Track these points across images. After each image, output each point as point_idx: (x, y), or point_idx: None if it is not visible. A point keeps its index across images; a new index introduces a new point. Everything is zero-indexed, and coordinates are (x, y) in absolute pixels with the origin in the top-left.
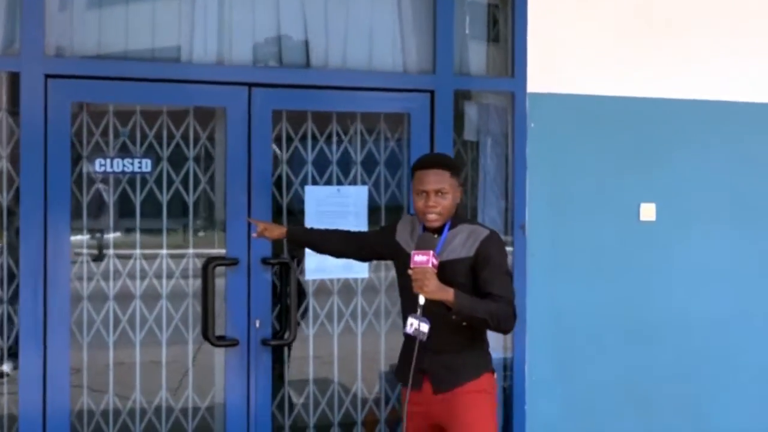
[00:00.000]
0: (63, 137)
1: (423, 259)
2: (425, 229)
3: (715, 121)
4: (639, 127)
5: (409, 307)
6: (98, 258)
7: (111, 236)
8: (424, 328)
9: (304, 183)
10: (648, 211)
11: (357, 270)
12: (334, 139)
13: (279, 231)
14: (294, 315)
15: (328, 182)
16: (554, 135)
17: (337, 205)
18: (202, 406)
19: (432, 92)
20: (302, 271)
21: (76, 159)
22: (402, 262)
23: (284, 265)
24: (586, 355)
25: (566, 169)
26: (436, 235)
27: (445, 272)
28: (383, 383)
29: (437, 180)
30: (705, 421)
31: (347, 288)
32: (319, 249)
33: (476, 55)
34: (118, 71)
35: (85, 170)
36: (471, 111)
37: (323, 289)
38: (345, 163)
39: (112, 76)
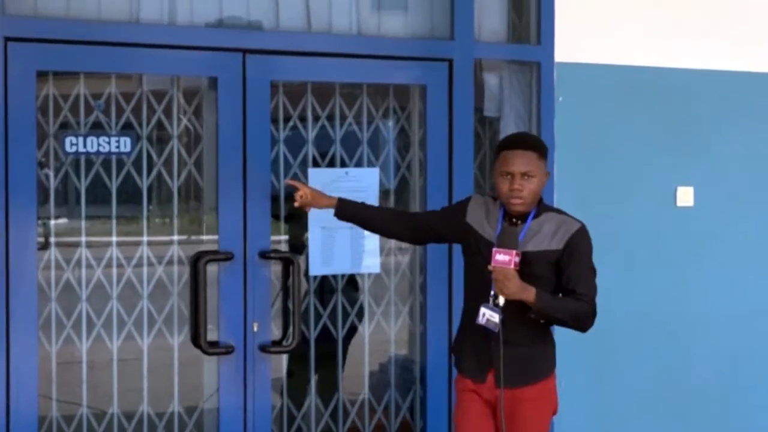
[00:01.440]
0: (27, 112)
1: (505, 259)
2: (506, 214)
3: (763, 94)
4: (677, 102)
5: (479, 293)
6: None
7: (83, 224)
8: (496, 318)
9: (303, 165)
10: (685, 196)
11: (367, 264)
12: (337, 114)
13: (328, 201)
14: (297, 317)
15: (331, 164)
16: (584, 111)
17: (346, 190)
18: (190, 423)
19: (450, 61)
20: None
21: (42, 137)
22: (475, 245)
23: (287, 260)
24: (618, 359)
25: (597, 149)
26: (519, 222)
27: (527, 263)
28: (392, 391)
29: (524, 162)
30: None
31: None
32: (372, 226)
33: (498, 20)
34: (91, 34)
35: (53, 150)
36: (491, 83)
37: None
38: (350, 143)
39: (84, 40)
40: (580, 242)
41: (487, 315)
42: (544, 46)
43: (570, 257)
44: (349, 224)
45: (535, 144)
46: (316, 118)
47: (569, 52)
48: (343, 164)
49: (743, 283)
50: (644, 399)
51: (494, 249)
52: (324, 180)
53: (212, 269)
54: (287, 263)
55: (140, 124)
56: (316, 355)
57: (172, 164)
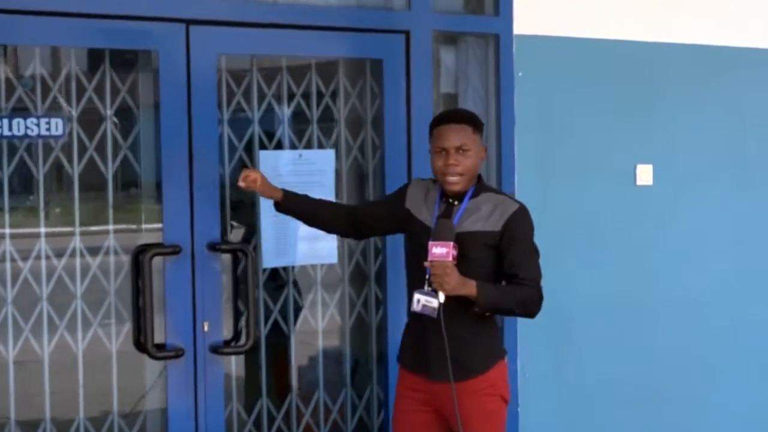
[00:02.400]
0: None
1: (442, 252)
2: (443, 195)
3: (723, 69)
4: (639, 77)
5: (416, 281)
6: None
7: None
8: (433, 303)
9: (248, 148)
10: (645, 174)
11: (324, 254)
12: (285, 92)
13: (273, 191)
14: (253, 314)
15: (278, 147)
16: (545, 86)
17: (301, 174)
18: None
19: (407, 33)
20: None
21: None
22: (413, 230)
23: (239, 252)
24: (582, 346)
25: (557, 126)
26: (455, 202)
27: (461, 244)
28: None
29: (459, 136)
30: (711, 413)
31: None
32: (315, 221)
33: None
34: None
35: None
36: (448, 58)
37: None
38: (299, 123)
39: (4, 9)
40: (519, 223)
41: (423, 300)
42: (503, 17)
43: (510, 240)
44: None
45: (468, 118)
46: (262, 97)
47: (529, 24)
48: (293, 146)
49: (704, 264)
50: (609, 387)
51: (430, 242)
52: (276, 163)
53: (155, 263)
54: (239, 255)
55: (70, 104)
56: (267, 354)
57: (105, 148)
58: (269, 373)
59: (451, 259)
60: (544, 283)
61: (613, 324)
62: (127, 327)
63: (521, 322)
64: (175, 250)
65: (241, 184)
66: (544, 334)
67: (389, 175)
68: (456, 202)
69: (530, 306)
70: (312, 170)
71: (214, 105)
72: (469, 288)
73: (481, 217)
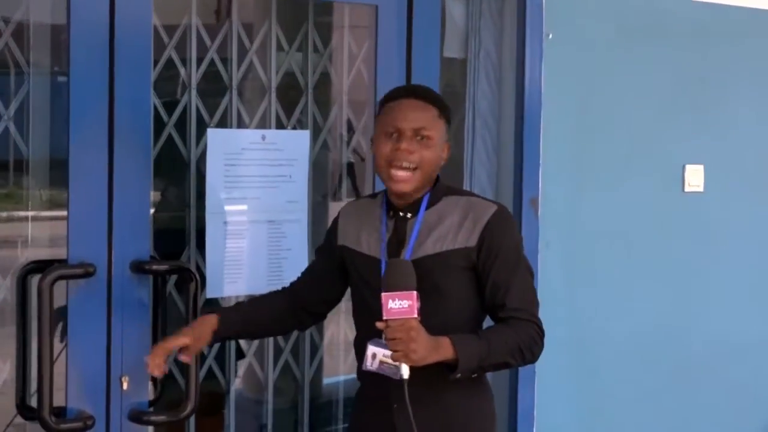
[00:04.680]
0: None
1: (403, 306)
2: (390, 208)
3: None
4: (697, 44)
5: (368, 329)
6: None
7: None
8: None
9: (181, 126)
10: (695, 177)
11: (290, 278)
12: (233, 49)
13: (208, 332)
14: (195, 365)
15: (222, 123)
16: (583, 53)
17: (263, 164)
18: None
19: None
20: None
21: None
22: (357, 268)
23: (179, 273)
24: (617, 399)
25: (594, 109)
26: (409, 215)
27: (424, 273)
28: None
29: (417, 116)
30: None
31: None
32: (263, 331)
33: None
34: None
35: None
36: (456, 10)
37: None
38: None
39: None
40: (500, 232)
41: (380, 356)
42: None
43: (490, 256)
44: (269, 217)
45: (435, 97)
46: (201, 59)
47: None
48: (241, 123)
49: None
50: None
51: (383, 294)
52: (230, 147)
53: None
54: (180, 279)
55: None
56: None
57: None
58: None
59: (415, 314)
60: (566, 318)
61: (653, 372)
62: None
63: (541, 370)
64: (87, 272)
65: (182, 358)
66: (572, 384)
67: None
68: (409, 215)
69: (529, 351)
70: (279, 159)
71: (148, 64)
72: (444, 350)
73: (448, 230)
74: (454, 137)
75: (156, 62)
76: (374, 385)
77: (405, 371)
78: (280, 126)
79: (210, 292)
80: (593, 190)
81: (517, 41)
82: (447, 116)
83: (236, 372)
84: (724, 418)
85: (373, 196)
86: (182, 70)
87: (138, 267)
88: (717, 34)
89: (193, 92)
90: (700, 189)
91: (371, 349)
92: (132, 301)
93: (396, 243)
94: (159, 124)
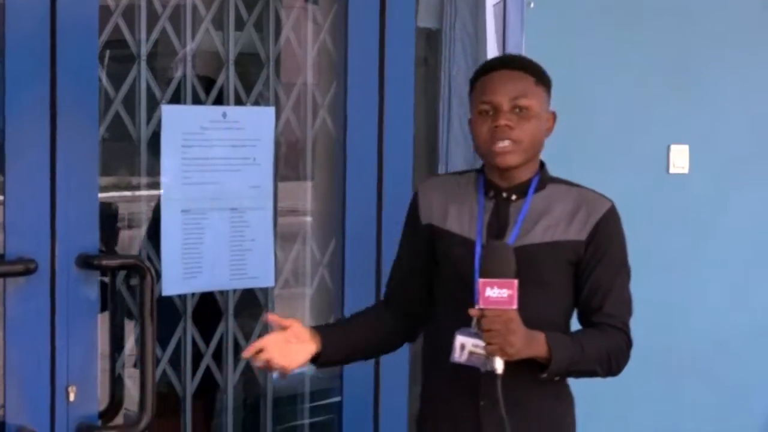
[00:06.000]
0: None
1: (502, 296)
2: (489, 186)
3: None
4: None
5: (450, 317)
6: None
7: None
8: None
9: (129, 102)
10: (680, 158)
11: (256, 274)
12: (187, 17)
13: (313, 344)
14: (151, 372)
15: (175, 100)
16: (565, 24)
17: (224, 145)
18: None
19: None
20: None
21: None
22: (445, 247)
23: (134, 269)
24: (597, 390)
25: (575, 85)
26: (514, 197)
27: (529, 262)
28: None
29: (516, 87)
30: None
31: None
32: (369, 351)
33: None
34: None
35: None
36: None
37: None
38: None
39: None
40: (612, 231)
41: (469, 346)
42: None
43: (597, 254)
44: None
45: (530, 64)
46: (150, 28)
47: None
48: (197, 99)
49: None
50: None
51: (481, 281)
52: (187, 126)
53: None
54: (131, 275)
55: None
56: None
57: None
58: None
59: (515, 305)
60: None
61: (634, 361)
62: None
63: None
64: (27, 268)
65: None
66: None
67: (351, 152)
68: (514, 197)
69: (616, 361)
70: (242, 139)
71: (94, 33)
72: (538, 347)
73: (559, 219)
74: (425, 116)
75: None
76: (458, 379)
77: (499, 365)
78: (239, 103)
79: (166, 289)
80: (575, 171)
81: (495, 10)
82: (547, 84)
83: (193, 374)
84: (708, 416)
85: (460, 173)
86: (131, 41)
87: (85, 262)
88: (700, 11)
89: (143, 66)
90: (685, 171)
91: (460, 339)
92: (79, 301)
93: (497, 226)
94: (105, 102)
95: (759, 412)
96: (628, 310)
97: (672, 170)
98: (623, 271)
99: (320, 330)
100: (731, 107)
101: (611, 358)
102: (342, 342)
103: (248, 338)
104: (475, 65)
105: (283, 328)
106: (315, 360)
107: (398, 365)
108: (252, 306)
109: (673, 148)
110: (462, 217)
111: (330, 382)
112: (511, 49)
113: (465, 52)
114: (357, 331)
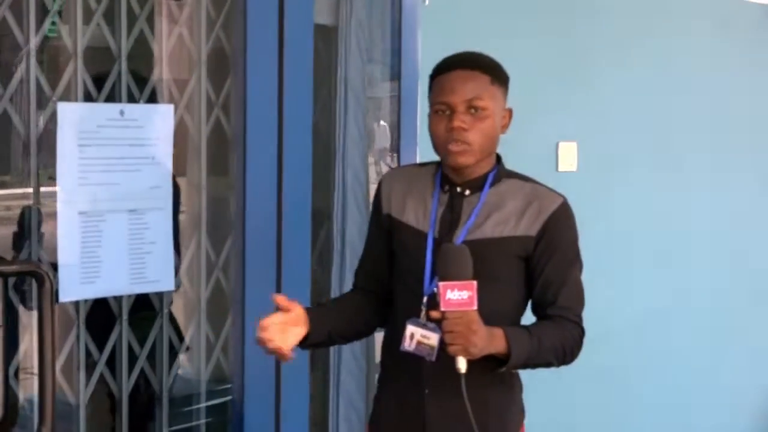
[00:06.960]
0: None
1: (462, 298)
2: (444, 181)
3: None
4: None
5: (408, 306)
6: None
7: None
8: (432, 339)
9: (12, 100)
10: (568, 155)
11: (157, 278)
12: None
13: (304, 327)
14: (50, 383)
15: (65, 98)
16: (459, 23)
17: (122, 144)
18: None
19: None
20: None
21: None
22: (401, 240)
23: (30, 276)
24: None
25: None
26: (468, 192)
27: (484, 259)
28: None
29: (471, 87)
30: None
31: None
32: (351, 333)
33: None
34: None
35: None
36: None
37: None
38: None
39: None
40: (564, 226)
41: (417, 336)
42: None
43: (549, 249)
44: (130, 206)
45: (486, 63)
46: (42, 16)
47: None
48: (88, 97)
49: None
50: None
51: (441, 284)
52: (84, 125)
53: None
54: (24, 282)
55: None
56: None
57: None
58: None
59: (475, 306)
60: None
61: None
62: None
63: None
64: None
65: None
66: None
67: (253, 145)
68: (467, 192)
69: (570, 352)
70: (140, 137)
71: None
72: (497, 343)
73: (509, 215)
74: (322, 116)
75: None
76: (407, 367)
77: (463, 365)
78: (132, 101)
79: (63, 296)
80: None
81: (392, 8)
82: (503, 82)
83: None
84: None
85: (422, 165)
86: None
87: None
88: (588, 10)
89: (32, 58)
90: (574, 168)
91: (410, 328)
92: None
93: (450, 220)
94: None
95: (643, 402)
96: (580, 302)
97: (561, 168)
98: (576, 264)
99: (309, 312)
100: (618, 104)
101: (566, 350)
102: (326, 325)
103: (142, 343)
104: (370, 63)
105: (287, 311)
106: (302, 342)
107: (298, 367)
108: (146, 309)
109: (562, 145)
110: (418, 210)
111: (228, 381)
112: (406, 48)
113: (360, 49)
114: (340, 315)
